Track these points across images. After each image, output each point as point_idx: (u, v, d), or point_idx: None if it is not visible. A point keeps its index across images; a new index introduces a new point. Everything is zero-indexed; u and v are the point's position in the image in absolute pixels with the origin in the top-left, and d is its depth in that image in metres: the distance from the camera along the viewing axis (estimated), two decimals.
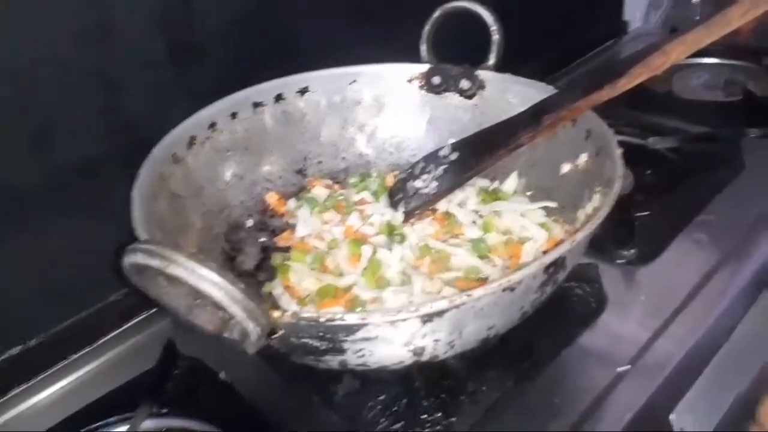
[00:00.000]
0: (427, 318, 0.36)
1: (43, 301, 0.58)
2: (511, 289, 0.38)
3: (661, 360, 0.48)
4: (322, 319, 0.35)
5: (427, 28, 0.65)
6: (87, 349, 0.59)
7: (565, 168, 0.57)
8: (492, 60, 0.64)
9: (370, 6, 0.72)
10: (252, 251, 0.59)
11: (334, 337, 0.37)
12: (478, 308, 0.37)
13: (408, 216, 0.59)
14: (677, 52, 0.50)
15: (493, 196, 0.60)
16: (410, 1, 0.67)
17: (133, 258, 0.33)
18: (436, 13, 0.65)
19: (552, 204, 0.56)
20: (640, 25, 1.15)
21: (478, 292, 0.35)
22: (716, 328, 0.51)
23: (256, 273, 0.57)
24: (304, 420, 0.46)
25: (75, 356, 0.59)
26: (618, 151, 0.48)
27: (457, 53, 0.65)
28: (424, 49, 0.66)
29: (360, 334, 0.37)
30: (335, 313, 0.36)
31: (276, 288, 0.54)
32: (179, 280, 0.32)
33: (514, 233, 0.56)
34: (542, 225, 0.55)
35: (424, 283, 0.51)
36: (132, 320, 0.62)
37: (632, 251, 0.58)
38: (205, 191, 0.58)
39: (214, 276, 0.32)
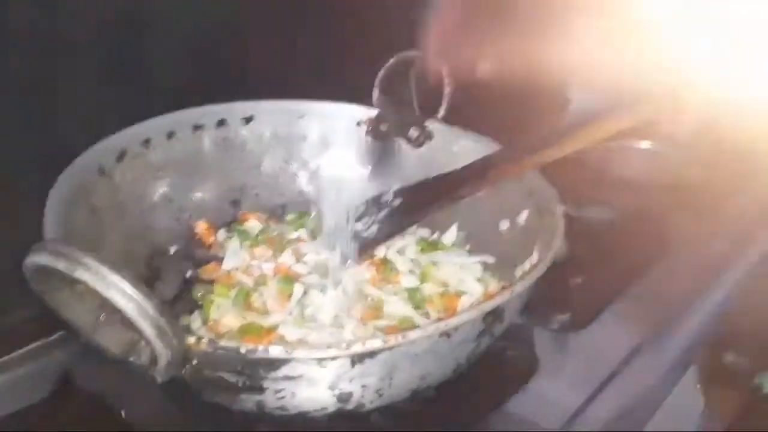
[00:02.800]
0: (358, 359, 0.34)
1: None
2: (448, 335, 0.36)
3: (591, 428, 0.47)
4: (242, 350, 0.32)
5: (381, 73, 0.65)
6: None
7: (505, 225, 0.57)
8: (442, 111, 0.64)
9: (325, 45, 0.71)
10: (172, 280, 0.55)
11: (253, 372, 0.34)
12: (413, 353, 0.35)
13: (345, 258, 0.57)
14: (626, 121, 0.52)
15: (433, 246, 0.59)
16: (367, 44, 0.67)
17: (36, 258, 0.29)
18: (392, 60, 0.65)
19: (490, 259, 0.55)
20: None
21: (414, 335, 0.33)
22: (645, 401, 0.51)
23: (175, 304, 0.53)
24: None
25: None
26: (560, 209, 0.48)
27: (408, 101, 0.65)
28: (376, 93, 0.66)
29: (283, 371, 0.34)
30: (257, 345, 0.33)
31: (194, 322, 0.50)
32: (86, 286, 0.29)
33: (451, 285, 0.54)
34: (479, 280, 0.54)
35: (356, 328, 0.48)
36: (28, 345, 0.56)
37: (566, 316, 0.58)
38: (129, 210, 0.54)
39: (125, 285, 0.29)
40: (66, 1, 0.53)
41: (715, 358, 0.58)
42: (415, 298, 0.53)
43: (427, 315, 0.52)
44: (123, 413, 0.46)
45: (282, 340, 0.47)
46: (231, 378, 0.34)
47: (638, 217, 0.72)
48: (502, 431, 0.46)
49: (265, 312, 0.51)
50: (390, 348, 0.33)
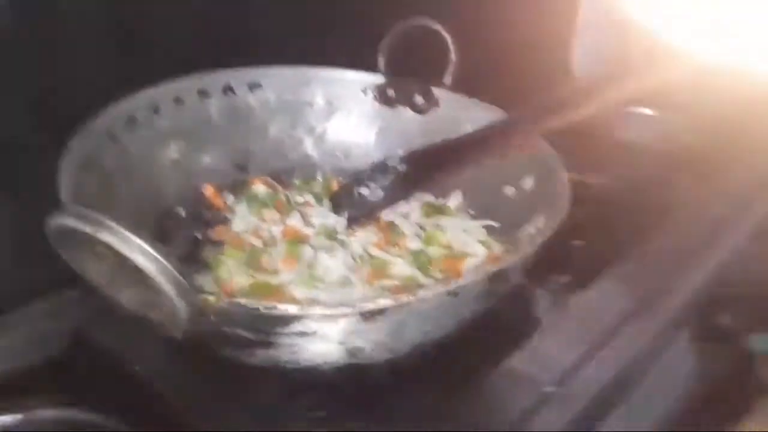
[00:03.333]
0: (369, 316, 0.35)
1: None
2: (455, 294, 0.37)
3: (586, 385, 0.49)
4: (260, 308, 0.33)
5: (386, 40, 0.65)
6: None
7: (509, 190, 0.58)
8: (447, 79, 0.64)
9: (331, 11, 0.71)
10: (182, 242, 0.56)
11: (269, 328, 0.35)
12: (421, 310, 0.37)
13: (351, 222, 0.58)
14: (630, 89, 0.52)
15: (437, 210, 0.60)
16: (372, 12, 0.67)
17: (60, 220, 0.30)
18: (397, 26, 0.65)
19: (494, 224, 0.57)
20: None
21: (423, 293, 0.35)
22: (638, 359, 0.52)
23: (185, 264, 0.54)
24: (223, 419, 0.44)
25: None
26: (564, 175, 0.49)
27: (413, 69, 0.66)
28: (381, 60, 0.66)
29: (297, 327, 0.35)
30: (273, 303, 0.35)
31: (205, 281, 0.51)
32: (108, 248, 0.30)
33: (455, 248, 0.56)
34: (483, 242, 0.55)
35: (364, 288, 0.49)
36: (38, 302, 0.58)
37: (566, 278, 0.59)
38: (138, 174, 0.55)
39: (146, 247, 0.30)
40: None
41: (710, 320, 0.60)
42: (420, 260, 0.54)
43: (430, 275, 0.53)
44: (137, 368, 0.48)
45: (292, 299, 0.49)
46: (246, 333, 0.35)
47: (639, 182, 0.73)
48: (502, 386, 0.48)
49: (275, 272, 0.53)
50: (400, 306, 0.35)
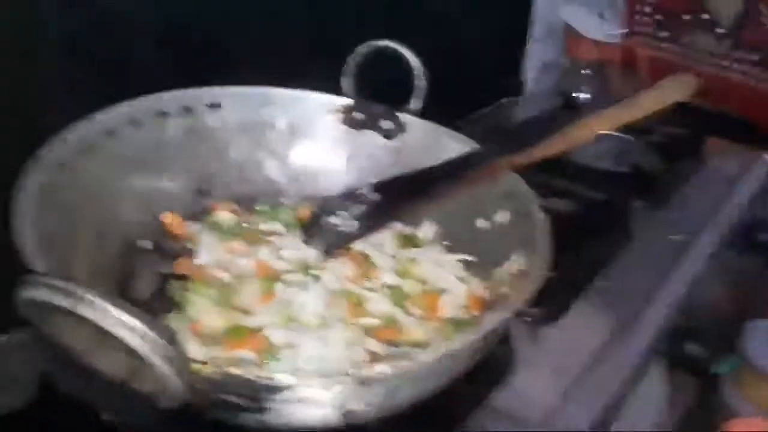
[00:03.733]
0: (365, 382, 0.33)
1: None
2: (453, 355, 0.36)
3: (569, 425, 0.49)
4: (252, 377, 0.31)
5: (351, 62, 0.63)
6: None
7: (481, 223, 0.57)
8: (414, 104, 0.63)
9: (294, 30, 0.69)
10: (147, 277, 0.52)
11: (259, 395, 0.33)
12: (416, 373, 0.35)
13: (324, 254, 0.56)
14: (598, 125, 0.53)
15: (410, 241, 0.59)
16: (337, 33, 0.65)
17: (33, 293, 0.27)
18: (362, 49, 0.63)
19: (469, 258, 0.56)
20: (533, 87, 1.22)
21: (423, 358, 0.33)
22: (616, 395, 0.53)
23: (152, 304, 0.50)
24: None
25: None
26: (541, 216, 0.49)
27: (377, 93, 0.64)
28: (346, 82, 0.64)
29: (290, 395, 0.33)
30: (265, 372, 0.32)
31: (175, 322, 0.48)
32: (88, 321, 0.27)
33: (430, 283, 0.54)
34: (460, 278, 0.54)
35: (343, 329, 0.47)
36: None
37: (540, 310, 0.59)
38: (97, 205, 0.51)
39: (134, 322, 0.27)
40: None
41: (677, 348, 0.61)
42: (396, 295, 0.53)
43: (408, 312, 0.52)
44: (112, 423, 0.44)
45: (269, 344, 0.46)
46: (235, 399, 0.33)
47: (601, 207, 0.74)
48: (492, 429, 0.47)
49: (247, 311, 0.50)
50: (399, 372, 0.33)
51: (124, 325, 0.27)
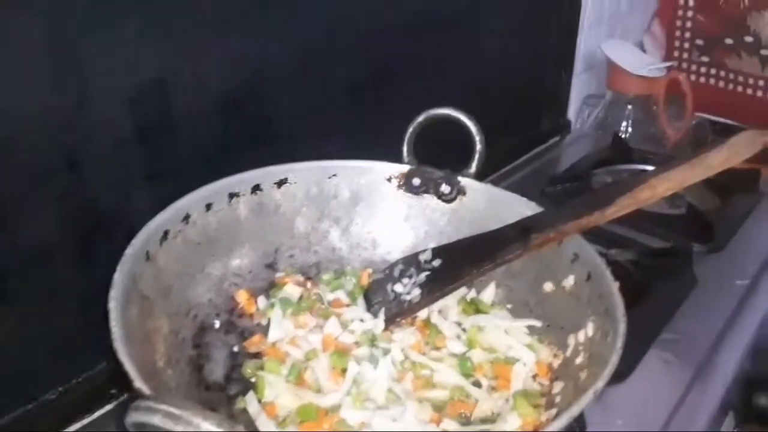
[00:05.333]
0: None
1: None
2: None
3: None
4: None
5: (410, 130, 0.65)
6: None
7: (548, 287, 0.57)
8: (473, 168, 0.64)
9: (353, 102, 0.71)
10: (221, 358, 0.54)
11: None
12: None
13: (388, 322, 0.57)
14: (663, 187, 0.53)
15: (474, 307, 0.59)
16: (395, 103, 0.67)
17: (146, 418, 0.29)
18: (420, 117, 0.65)
19: (537, 323, 0.56)
20: (576, 124, 1.22)
21: None
22: None
23: (227, 385, 0.52)
24: None
25: None
26: (615, 285, 0.49)
27: (432, 155, 0.66)
28: (405, 150, 0.66)
29: None
30: None
31: (251, 405, 0.50)
32: None
33: (500, 351, 0.55)
34: (528, 345, 0.54)
35: (416, 408, 0.48)
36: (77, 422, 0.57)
37: None
38: (173, 290, 0.53)
39: None
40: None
41: (750, 401, 0.60)
42: (464, 366, 0.53)
43: (477, 383, 0.53)
44: None
45: (344, 424, 0.48)
46: None
47: (663, 254, 0.74)
48: None
49: (319, 389, 0.51)
50: None
51: None
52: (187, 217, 0.55)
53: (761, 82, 1.29)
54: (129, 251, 0.48)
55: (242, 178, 0.60)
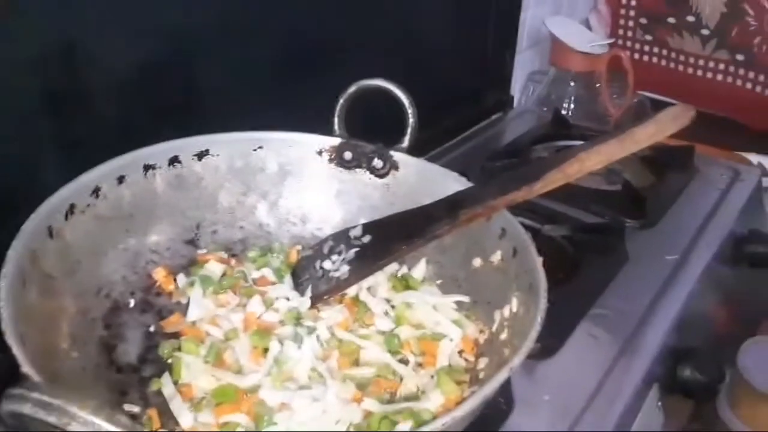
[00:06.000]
0: None
1: None
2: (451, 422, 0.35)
3: None
4: None
5: (340, 101, 0.63)
6: None
7: (477, 262, 0.56)
8: (406, 142, 0.62)
9: (280, 73, 0.68)
10: (135, 338, 0.52)
11: None
12: None
13: (315, 300, 0.55)
14: (592, 161, 0.52)
15: (404, 283, 0.58)
16: (327, 76, 0.64)
17: (17, 407, 0.26)
18: (351, 89, 0.62)
19: (465, 299, 0.55)
20: (520, 100, 1.21)
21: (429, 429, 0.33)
22: (617, 429, 0.52)
23: (141, 366, 0.50)
24: None
25: None
26: (539, 261, 0.48)
27: (365, 130, 0.63)
28: (335, 122, 0.63)
29: None
30: None
31: (166, 386, 0.47)
32: None
33: (428, 328, 0.54)
34: (455, 321, 0.53)
35: (338, 387, 0.47)
36: None
37: (536, 345, 0.59)
38: (81, 268, 0.50)
39: None
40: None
41: (672, 372, 0.61)
42: (391, 342, 0.52)
43: (404, 360, 0.51)
44: None
45: (263, 406, 0.46)
46: None
47: (596, 229, 0.74)
48: None
49: (239, 370, 0.49)
50: None
51: None
52: (96, 191, 0.52)
53: (701, 62, 1.31)
54: (26, 226, 0.45)
55: (157, 150, 0.56)
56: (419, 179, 0.61)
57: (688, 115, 0.54)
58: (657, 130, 0.52)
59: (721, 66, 1.28)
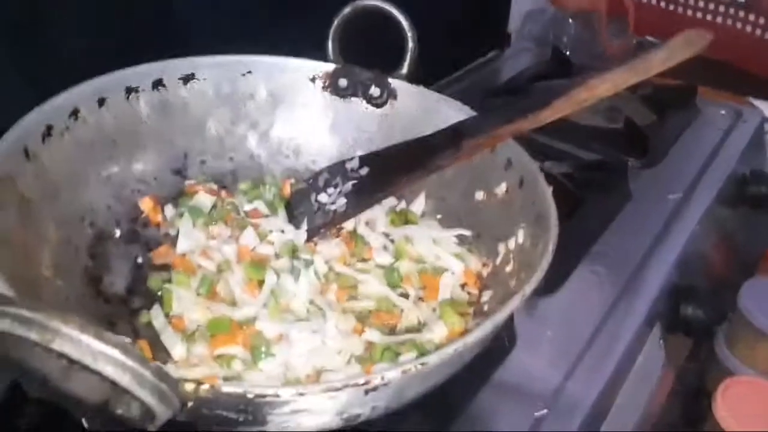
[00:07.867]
0: (372, 388, 0.31)
1: None
2: (463, 349, 0.33)
3: (575, 403, 0.47)
4: (249, 395, 0.28)
5: (335, 23, 0.59)
6: None
7: (480, 195, 0.54)
8: (405, 68, 0.59)
9: None
10: (122, 269, 0.49)
11: (258, 410, 0.30)
12: (426, 372, 0.33)
13: (311, 234, 0.53)
14: (602, 89, 0.49)
15: (403, 217, 0.56)
16: None
17: None
18: (346, 10, 0.58)
19: (467, 232, 0.53)
20: (517, 38, 1.17)
21: (433, 359, 0.31)
22: (619, 366, 0.51)
23: (129, 298, 0.47)
24: None
25: None
26: (548, 190, 0.46)
27: (365, 57, 0.60)
28: (330, 47, 0.60)
29: (290, 407, 0.30)
30: (265, 387, 0.30)
31: (156, 318, 0.45)
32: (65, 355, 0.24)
33: (428, 262, 0.52)
34: (457, 255, 0.51)
35: (337, 318, 0.45)
36: None
37: None
38: (62, 194, 0.47)
39: (115, 353, 0.24)
40: None
41: (675, 311, 0.60)
42: (390, 276, 0.50)
43: (405, 294, 0.50)
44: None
45: (260, 338, 0.44)
46: (232, 415, 0.30)
47: (598, 167, 0.72)
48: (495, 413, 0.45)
49: (233, 302, 0.47)
50: (407, 374, 0.31)
51: (107, 358, 0.24)
52: (75, 113, 0.48)
53: (701, 3, 1.27)
54: (0, 146, 0.42)
55: (139, 71, 0.53)
56: (419, 109, 0.58)
57: (701, 41, 0.51)
58: (669, 55, 0.49)
59: (722, 8, 1.25)
